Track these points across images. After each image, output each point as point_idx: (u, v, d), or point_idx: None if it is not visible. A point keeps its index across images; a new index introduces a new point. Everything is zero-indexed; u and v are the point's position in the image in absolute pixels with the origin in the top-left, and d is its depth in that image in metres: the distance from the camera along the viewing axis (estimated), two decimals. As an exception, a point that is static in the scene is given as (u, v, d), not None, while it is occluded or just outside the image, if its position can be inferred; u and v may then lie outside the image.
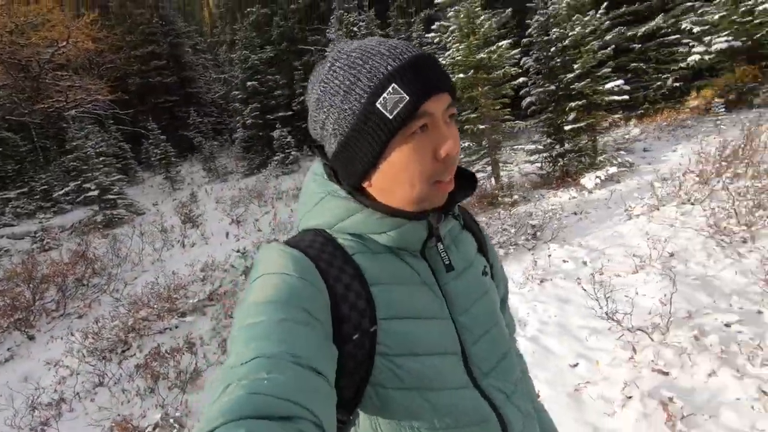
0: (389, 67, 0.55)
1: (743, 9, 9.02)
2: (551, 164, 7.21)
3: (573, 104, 6.72)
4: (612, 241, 4.54)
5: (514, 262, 4.57)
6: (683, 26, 9.94)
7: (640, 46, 10.49)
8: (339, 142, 0.60)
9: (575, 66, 6.69)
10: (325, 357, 0.50)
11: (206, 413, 0.40)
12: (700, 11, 9.71)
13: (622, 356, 2.76)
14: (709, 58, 9.35)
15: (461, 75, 6.55)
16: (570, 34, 6.68)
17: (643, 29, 10.29)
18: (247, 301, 0.54)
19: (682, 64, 9.79)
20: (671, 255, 3.90)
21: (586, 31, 6.71)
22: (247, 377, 0.42)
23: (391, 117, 0.54)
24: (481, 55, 6.62)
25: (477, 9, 6.57)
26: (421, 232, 0.62)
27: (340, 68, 0.58)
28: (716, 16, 9.23)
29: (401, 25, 16.10)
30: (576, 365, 2.83)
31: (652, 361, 2.62)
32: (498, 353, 0.69)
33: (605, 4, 8.20)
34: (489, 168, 7.31)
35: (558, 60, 6.97)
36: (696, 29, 9.61)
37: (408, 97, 0.54)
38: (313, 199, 0.66)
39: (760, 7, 8.91)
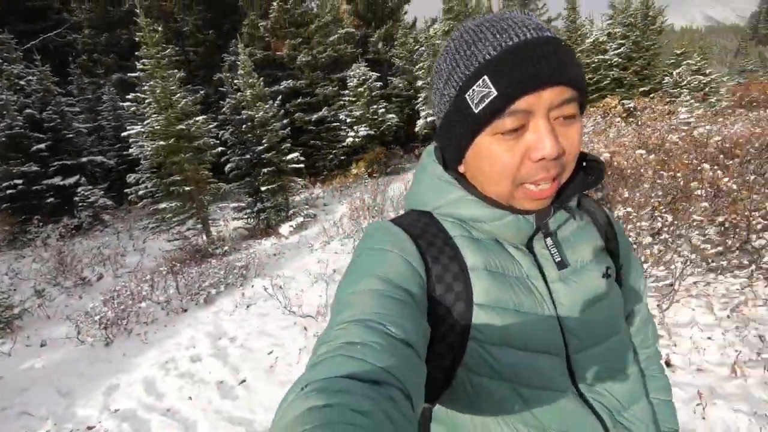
0: (487, 56, 0.50)
1: (372, 109, 13.52)
2: (255, 219, 8.57)
3: (265, 170, 8.40)
4: (299, 269, 6.07)
5: (226, 297, 5.40)
6: (341, 117, 13.84)
7: (314, 128, 13.80)
8: (439, 124, 0.59)
9: (263, 140, 8.45)
10: (417, 331, 0.48)
11: (308, 367, 0.42)
12: (349, 108, 13.82)
13: (299, 336, 4.04)
14: (359, 141, 13.36)
15: (162, 142, 7.10)
16: (256, 116, 8.45)
17: (315, 116, 13.66)
18: (350, 271, 0.55)
19: (344, 144, 13.52)
20: (334, 271, 5.70)
21: (269, 115, 8.65)
22: (342, 340, 0.43)
23: (476, 111, 0.51)
24: (181, 126, 7.40)
25: (173, 87, 7.40)
26: (524, 227, 0.59)
27: (451, 50, 0.55)
28: (358, 113, 13.42)
29: (86, 84, 14.74)
30: (271, 352, 3.90)
31: (316, 333, 3.99)
32: (612, 368, 0.62)
33: (279, 98, 10.63)
34: (199, 225, 7.94)
35: (250, 135, 8.57)
36: (348, 120, 13.59)
37: (496, 93, 0.49)
38: (424, 180, 0.65)
39: (381, 109, 13.61)
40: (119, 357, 4.36)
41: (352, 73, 13.44)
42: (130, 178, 7.69)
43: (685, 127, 6.85)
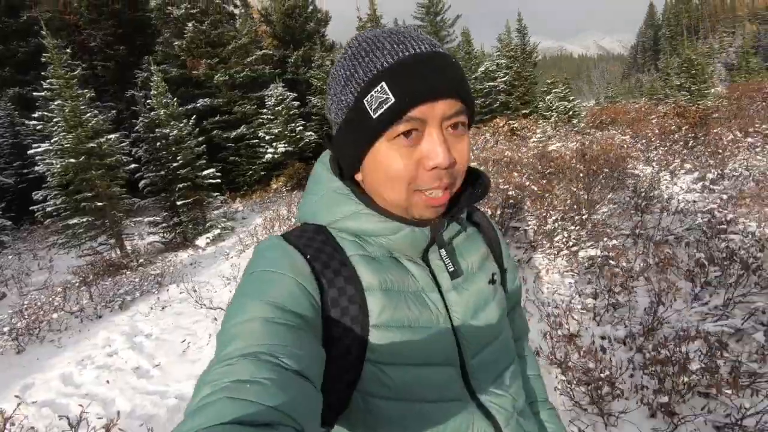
0: (385, 64, 0.52)
1: (291, 127, 14.23)
2: (171, 232, 8.84)
3: (180, 185, 8.76)
4: (214, 275, 6.61)
5: (142, 302, 5.79)
6: (260, 134, 14.37)
7: (233, 144, 14.17)
8: (336, 131, 0.59)
9: (179, 157, 8.82)
10: (312, 360, 0.47)
11: (187, 414, 0.39)
12: (268, 126, 14.39)
13: (210, 325, 4.66)
14: (278, 157, 13.96)
15: (72, 160, 7.21)
16: (171, 134, 8.81)
17: (234, 133, 14.06)
18: (239, 296, 0.53)
19: (263, 160, 14.04)
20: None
21: (183, 133, 9.05)
22: (229, 379, 0.41)
23: (374, 117, 0.52)
24: (92, 144, 7.55)
25: (83, 107, 7.54)
26: (420, 239, 0.60)
27: (348, 57, 0.56)
28: (276, 130, 14.05)
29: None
30: (184, 341, 4.48)
31: (226, 321, 4.67)
32: (500, 366, 0.66)
33: (195, 116, 11.00)
34: (112, 240, 8.05)
35: (164, 152, 8.88)
36: (267, 137, 14.16)
37: (393, 99, 0.50)
38: (318, 191, 0.63)
39: (299, 126, 14.36)
40: (33, 361, 4.63)
41: (269, 93, 14.09)
42: (37, 195, 7.61)
43: (540, 144, 8.54)
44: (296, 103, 14.52)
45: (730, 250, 3.63)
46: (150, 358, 4.25)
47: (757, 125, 7.88)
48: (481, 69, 14.28)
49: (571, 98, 12.49)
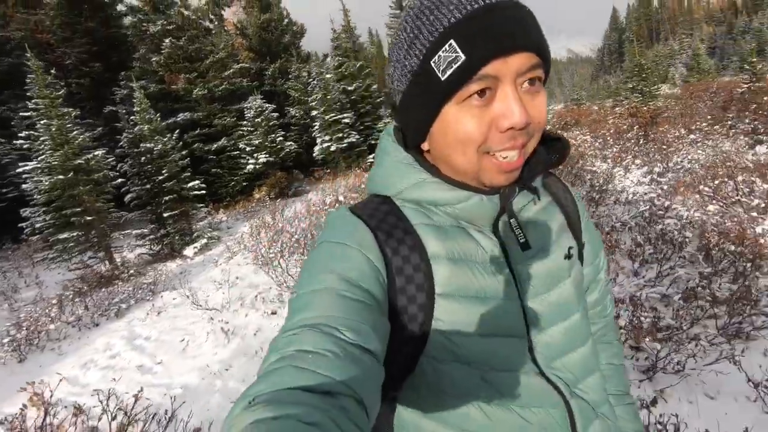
0: (452, 19, 0.48)
1: (271, 138, 14.57)
2: (158, 244, 9.06)
3: (167, 198, 9.02)
4: (206, 281, 6.91)
5: (137, 309, 6.07)
6: (241, 146, 14.66)
7: (214, 157, 14.42)
8: (400, 100, 0.56)
9: (164, 171, 9.08)
10: (375, 332, 0.48)
11: (257, 378, 0.41)
12: (248, 137, 14.69)
13: (207, 324, 5.00)
14: (259, 167, 14.27)
15: (61, 176, 7.41)
16: (155, 149, 9.07)
17: (215, 146, 14.32)
18: (308, 266, 0.55)
19: (245, 171, 14.32)
20: (237, 278, 6.67)
21: (167, 147, 9.32)
22: (294, 347, 0.43)
23: (443, 78, 0.49)
24: (79, 161, 7.77)
25: (69, 125, 7.76)
26: (489, 208, 0.58)
27: (409, 17, 0.52)
28: (257, 141, 14.37)
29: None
30: (183, 340, 4.80)
31: (221, 320, 4.99)
32: (570, 345, 0.64)
33: (177, 129, 11.27)
34: (101, 253, 8.24)
35: (150, 166, 9.13)
36: (248, 149, 14.47)
37: (464, 57, 0.47)
38: (383, 163, 0.63)
39: (279, 137, 14.72)
40: (36, 368, 4.87)
41: (248, 105, 14.42)
42: (25, 212, 7.76)
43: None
44: (275, 114, 14.88)
45: (663, 232, 4.22)
46: (152, 357, 4.56)
47: (698, 123, 8.70)
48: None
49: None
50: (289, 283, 5.52)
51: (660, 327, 2.94)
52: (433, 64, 0.49)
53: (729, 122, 8.11)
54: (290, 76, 17.78)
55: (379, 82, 29.84)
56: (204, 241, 9.01)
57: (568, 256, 0.66)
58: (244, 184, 14.65)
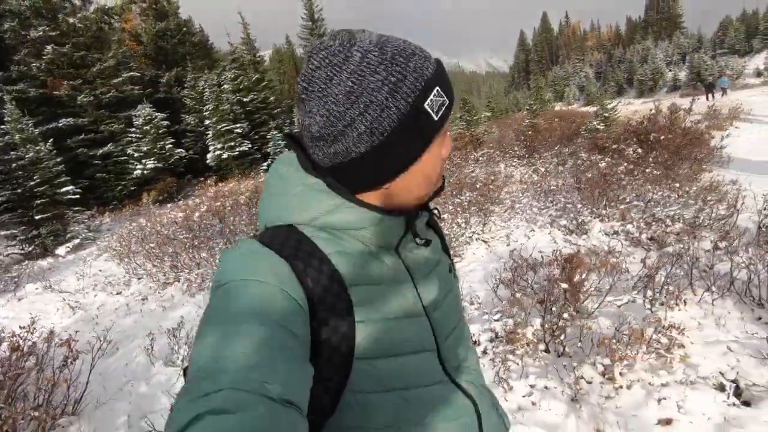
0: (431, 69, 0.56)
1: (160, 144, 15.38)
2: (30, 244, 9.75)
3: (38, 202, 9.75)
4: (70, 274, 7.97)
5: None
6: (129, 152, 15.28)
7: (100, 162, 14.92)
8: (376, 142, 0.55)
9: (35, 176, 9.79)
10: (301, 382, 0.47)
11: None
12: (137, 144, 15.35)
13: (59, 304, 6.23)
14: (147, 173, 15.02)
15: None
16: (26, 156, 9.75)
17: (101, 151, 14.83)
18: (216, 311, 0.49)
19: (133, 176, 14.99)
20: (100, 270, 7.82)
21: (40, 155, 10.03)
22: (214, 410, 0.38)
23: (436, 119, 0.56)
24: (-57, 166, 8.30)
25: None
26: (398, 229, 0.62)
27: (378, 62, 0.53)
28: (145, 148, 15.12)
29: None
30: (37, 315, 6.01)
31: (72, 300, 6.25)
32: (465, 346, 0.72)
33: (56, 135, 11.86)
34: (-32, 254, 8.79)
35: (21, 172, 9.77)
36: (136, 155, 15.15)
37: (448, 102, 0.58)
38: (289, 190, 0.61)
39: (168, 144, 15.56)
40: None
41: (137, 113, 15.12)
42: None
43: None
44: (165, 122, 15.70)
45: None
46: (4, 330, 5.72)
47: (504, 149, 11.45)
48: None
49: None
50: (139, 272, 6.88)
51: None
52: (427, 107, 0.55)
53: (516, 149, 10.90)
54: (186, 85, 18.56)
55: (281, 93, 30.97)
56: (77, 241, 9.88)
57: (450, 270, 0.76)
58: (133, 188, 15.28)
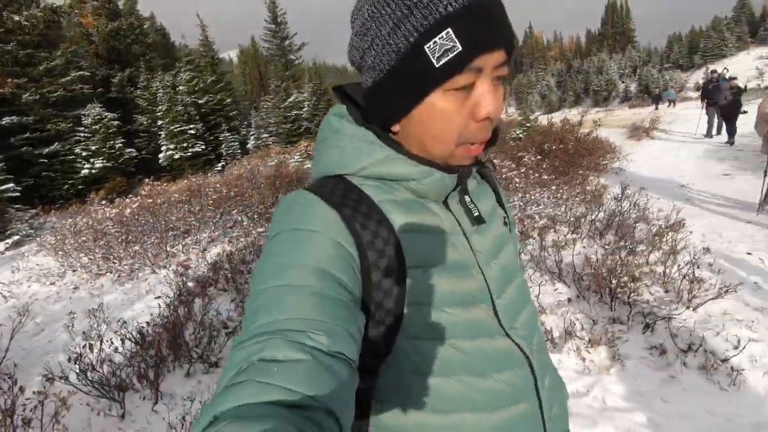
0: (449, 8, 0.48)
1: (110, 144, 15.46)
2: (-32, 241, 9.84)
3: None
4: (7, 268, 8.20)
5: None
6: (77, 151, 15.29)
7: (46, 160, 14.87)
8: (376, 78, 0.55)
9: (-26, 174, 9.90)
10: (350, 334, 0.47)
11: (215, 395, 0.39)
12: (85, 143, 15.37)
13: (-10, 295, 6.55)
14: (96, 172, 15.08)
15: None
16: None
17: (47, 150, 14.80)
18: (267, 260, 0.51)
19: (80, 175, 15.01)
20: (37, 264, 8.09)
21: (-21, 152, 10.13)
22: (257, 357, 0.40)
23: (437, 66, 0.49)
24: None
25: None
26: (449, 184, 0.60)
27: None
28: (94, 147, 15.18)
29: None
30: None
31: (6, 290, 6.58)
32: (521, 303, 0.68)
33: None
34: None
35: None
36: (84, 154, 15.18)
37: (461, 48, 0.48)
38: (339, 142, 0.60)
39: (119, 144, 15.66)
40: None
41: (86, 113, 15.16)
42: None
43: (296, 163, 11.79)
44: (116, 122, 15.80)
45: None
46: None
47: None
48: (290, 99, 17.54)
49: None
50: (74, 264, 7.25)
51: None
52: (427, 50, 0.48)
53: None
54: (139, 86, 18.62)
55: (245, 95, 31.02)
56: (17, 238, 10.03)
57: (505, 224, 0.72)
58: (81, 187, 15.29)
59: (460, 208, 0.63)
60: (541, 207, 6.33)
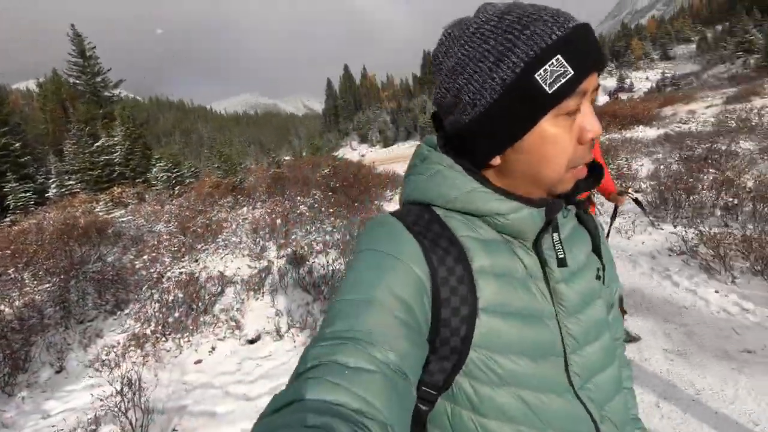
0: (554, 36, 0.49)
1: None
2: None
3: None
4: None
5: None
6: None
7: None
8: (477, 113, 0.55)
9: None
10: (415, 357, 0.49)
11: (289, 385, 0.42)
12: None
13: None
14: None
15: None
16: None
17: None
18: (354, 273, 0.54)
19: None
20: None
21: None
22: (333, 358, 0.43)
23: (550, 92, 0.50)
24: None
25: None
26: (538, 220, 0.59)
27: (491, 31, 0.52)
28: None
29: None
30: None
31: None
32: (601, 365, 0.65)
33: None
34: None
35: None
36: None
37: (573, 72, 0.49)
38: (428, 170, 0.62)
39: None
40: None
41: None
42: None
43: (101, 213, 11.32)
44: None
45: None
46: None
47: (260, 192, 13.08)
48: (98, 143, 16.34)
49: (175, 170, 16.14)
50: None
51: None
52: (538, 77, 0.49)
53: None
54: None
55: (47, 134, 27.19)
56: None
57: (598, 277, 0.67)
58: None
59: (548, 250, 0.61)
60: (321, 234, 7.82)
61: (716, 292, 3.83)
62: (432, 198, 0.61)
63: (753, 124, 12.16)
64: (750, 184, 6.19)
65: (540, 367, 0.58)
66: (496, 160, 0.58)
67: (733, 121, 13.50)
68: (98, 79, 28.75)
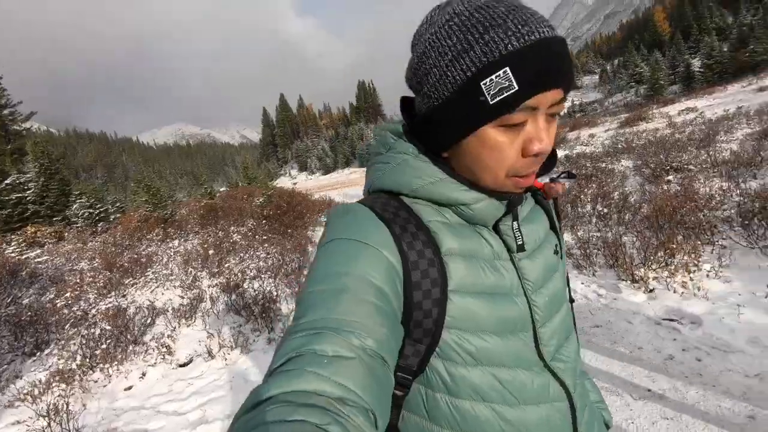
0: (510, 47, 0.49)
1: None
2: None
3: None
4: None
5: None
6: None
7: None
8: (431, 106, 0.57)
9: None
10: (392, 341, 0.49)
11: (266, 378, 0.42)
12: None
13: None
14: None
15: None
16: None
17: None
18: (322, 263, 0.54)
19: None
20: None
21: None
22: (309, 348, 0.43)
23: (491, 103, 0.50)
24: None
25: None
26: (499, 210, 0.62)
27: (458, 27, 0.52)
28: None
29: None
30: None
31: None
32: (565, 334, 0.68)
33: None
34: None
35: None
36: None
37: (517, 88, 0.49)
38: (394, 159, 0.63)
39: None
40: None
41: None
42: None
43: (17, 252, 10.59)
44: None
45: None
46: None
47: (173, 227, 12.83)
48: (8, 181, 15.16)
49: (98, 206, 15.37)
50: None
51: None
52: (483, 86, 0.50)
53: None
54: None
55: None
56: None
57: (556, 252, 0.71)
58: None
59: (507, 233, 0.64)
60: (255, 261, 8.05)
61: (582, 283, 4.71)
62: (398, 187, 0.62)
63: (633, 145, 14.25)
64: (616, 196, 7.45)
65: (511, 343, 0.60)
66: (445, 154, 0.61)
67: (621, 143, 15.69)
68: (5, 111, 26.63)
